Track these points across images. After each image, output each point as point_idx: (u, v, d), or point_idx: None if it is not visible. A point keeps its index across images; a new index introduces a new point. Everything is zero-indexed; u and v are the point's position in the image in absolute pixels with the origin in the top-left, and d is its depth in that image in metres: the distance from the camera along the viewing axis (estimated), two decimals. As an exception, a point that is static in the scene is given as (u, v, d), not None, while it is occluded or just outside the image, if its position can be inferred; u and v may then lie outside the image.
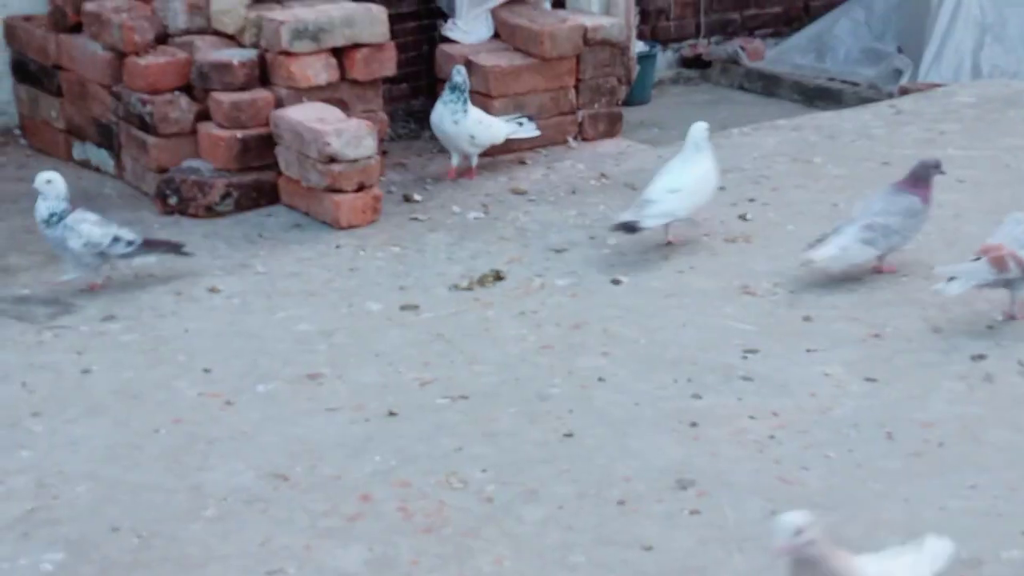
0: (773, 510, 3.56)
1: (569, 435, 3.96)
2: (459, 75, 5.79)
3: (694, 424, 3.99)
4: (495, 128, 5.95)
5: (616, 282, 4.97)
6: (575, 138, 6.48)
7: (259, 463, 3.82)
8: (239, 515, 3.58)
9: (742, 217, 5.53)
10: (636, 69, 6.97)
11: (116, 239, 4.82)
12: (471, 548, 3.43)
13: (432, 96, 6.46)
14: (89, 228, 4.80)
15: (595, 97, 6.50)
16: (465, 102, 5.79)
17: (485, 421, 4.05)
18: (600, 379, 4.27)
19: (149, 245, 4.96)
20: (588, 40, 6.39)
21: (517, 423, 4.04)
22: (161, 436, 3.97)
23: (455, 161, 5.96)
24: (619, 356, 4.42)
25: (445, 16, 6.61)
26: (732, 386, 4.20)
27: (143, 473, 3.77)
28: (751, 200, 5.71)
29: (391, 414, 4.09)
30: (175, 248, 5.01)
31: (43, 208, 4.83)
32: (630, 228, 5.04)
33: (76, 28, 6.09)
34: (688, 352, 4.41)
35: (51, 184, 4.85)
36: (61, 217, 4.81)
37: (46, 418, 4.07)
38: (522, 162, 6.26)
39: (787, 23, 8.90)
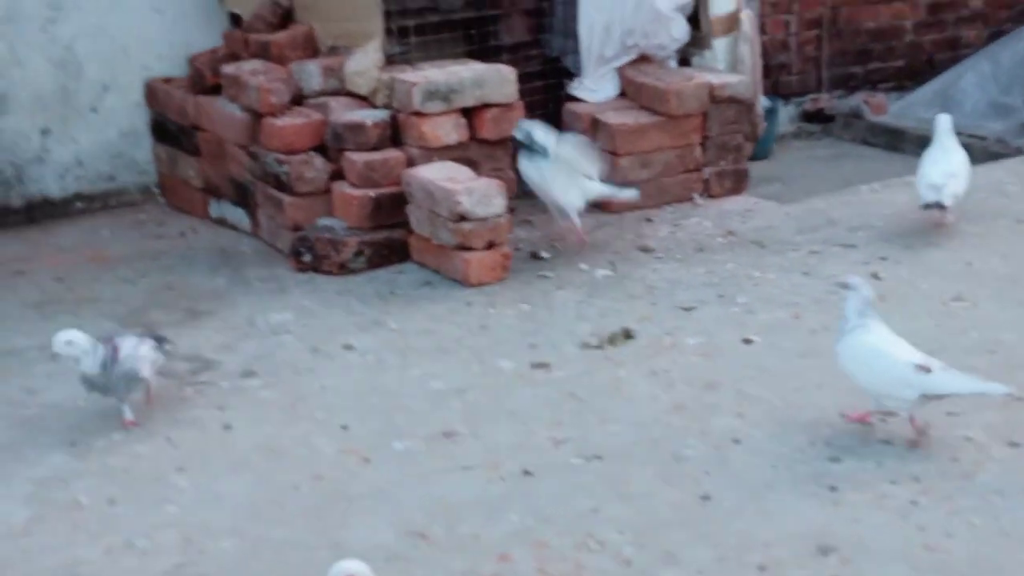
0: (918, 578, 3.51)
1: (706, 497, 3.94)
2: (524, 128, 5.73)
3: (833, 488, 3.94)
4: (587, 182, 5.85)
5: (748, 341, 4.95)
6: (701, 195, 6.48)
7: (398, 521, 3.87)
8: (380, 573, 3.61)
9: (875, 276, 5.47)
10: (763, 126, 6.96)
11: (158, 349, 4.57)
12: (611, 611, 3.42)
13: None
14: (146, 351, 4.46)
15: (721, 154, 6.51)
16: (545, 152, 5.69)
17: (620, 482, 4.04)
18: (735, 440, 4.25)
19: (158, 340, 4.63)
20: (715, 97, 6.40)
21: (653, 484, 4.03)
22: (302, 493, 4.04)
23: (559, 221, 5.92)
24: (754, 417, 4.39)
25: (571, 75, 6.68)
26: (871, 449, 4.14)
27: (286, 529, 3.84)
28: (883, 258, 5.65)
29: (526, 473, 4.11)
30: (161, 340, 4.65)
31: (91, 365, 4.34)
32: (939, 206, 5.69)
33: (214, 90, 6.29)
34: (825, 414, 4.36)
35: (72, 345, 4.34)
36: (111, 359, 4.37)
37: (190, 473, 4.17)
38: (648, 220, 6.28)
39: (911, 77, 8.81)
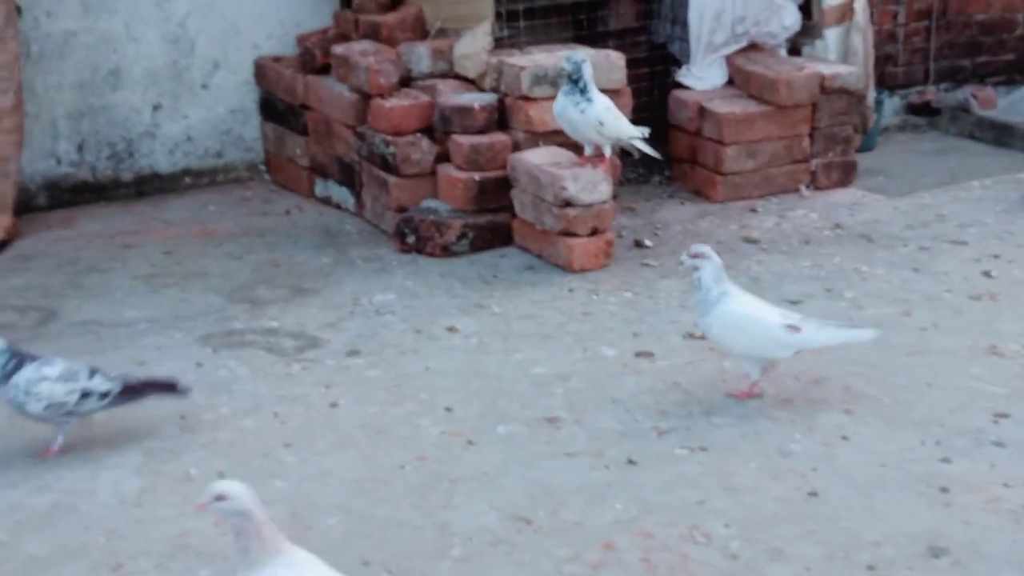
0: (1033, 585, 3.44)
1: (813, 494, 3.89)
2: (569, 63, 5.42)
3: (945, 489, 3.87)
4: (623, 121, 5.61)
5: (855, 337, 4.88)
6: (807, 187, 6.40)
7: (502, 505, 3.88)
8: (485, 556, 3.64)
9: (986, 274, 5.37)
10: (873, 118, 6.85)
11: (86, 394, 4.07)
12: (717, 604, 3.40)
13: (663, 142, 6.50)
14: (50, 387, 4.02)
15: (829, 146, 6.42)
16: (585, 90, 5.41)
17: (725, 474, 4.01)
18: (843, 437, 4.19)
19: (131, 391, 4.17)
20: (825, 88, 6.32)
21: (758, 478, 3.99)
22: (407, 472, 4.07)
23: (588, 151, 5.66)
24: (862, 414, 4.33)
25: (678, 62, 6.63)
26: (983, 451, 4.07)
27: (391, 508, 3.87)
28: (995, 256, 5.54)
29: (630, 462, 4.09)
30: (170, 388, 4.26)
31: None
32: None
33: (323, 70, 6.34)
34: (935, 414, 4.29)
35: None
36: (8, 375, 3.98)
37: (297, 449, 4.22)
38: (753, 210, 6.22)
39: (1021, 71, 8.61)
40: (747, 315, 4.30)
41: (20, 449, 4.19)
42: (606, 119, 5.49)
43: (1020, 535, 3.65)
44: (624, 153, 5.94)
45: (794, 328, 4.25)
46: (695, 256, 4.34)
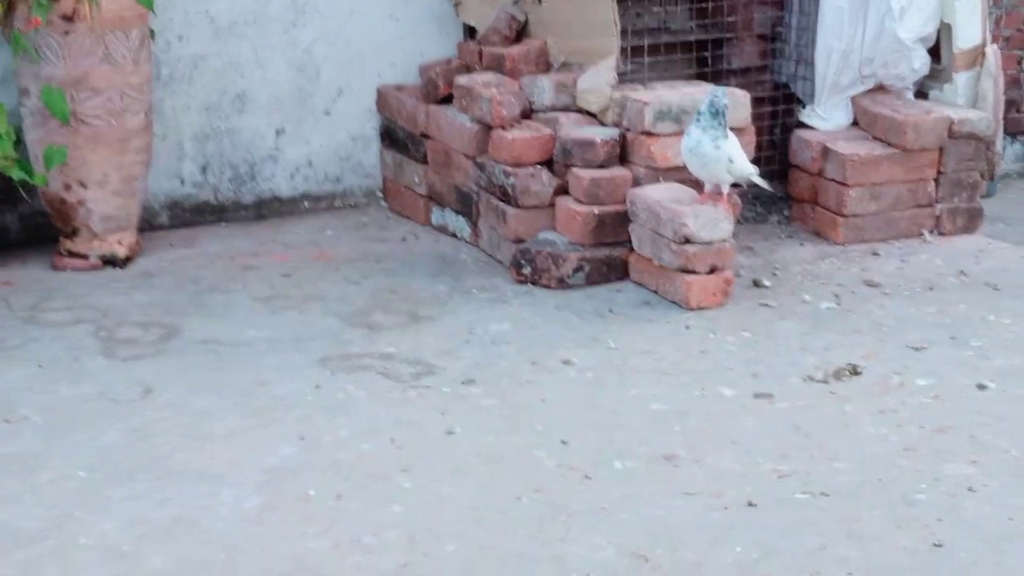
0: None
1: (939, 545, 3.80)
2: (724, 98, 5.42)
3: (1077, 546, 3.76)
4: (746, 159, 5.60)
5: (982, 387, 4.77)
6: (931, 232, 6.29)
7: (619, 540, 3.84)
8: (602, 592, 3.60)
9: (1119, 328, 5.23)
10: (1001, 165, 6.72)
11: None
12: (840, 654, 3.33)
13: (783, 181, 6.44)
14: None
15: (955, 191, 6.30)
16: (725, 127, 5.42)
17: (848, 521, 3.93)
18: (970, 489, 4.09)
19: None
20: (953, 133, 6.21)
21: (882, 527, 3.90)
22: (524, 504, 4.05)
23: (707, 188, 5.62)
24: (990, 466, 4.22)
25: (800, 102, 6.57)
26: (1118, 510, 3.94)
27: (508, 539, 3.85)
28: None
29: (750, 504, 4.03)
30: None
31: None
32: None
33: (445, 100, 6.39)
34: (1067, 468, 4.18)
35: None
36: None
37: (414, 474, 4.22)
38: (875, 253, 6.12)
39: None
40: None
41: (144, 463, 4.26)
42: (736, 156, 5.48)
43: None
44: (746, 194, 5.91)
45: None
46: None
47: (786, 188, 6.50)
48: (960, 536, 3.84)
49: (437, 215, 6.53)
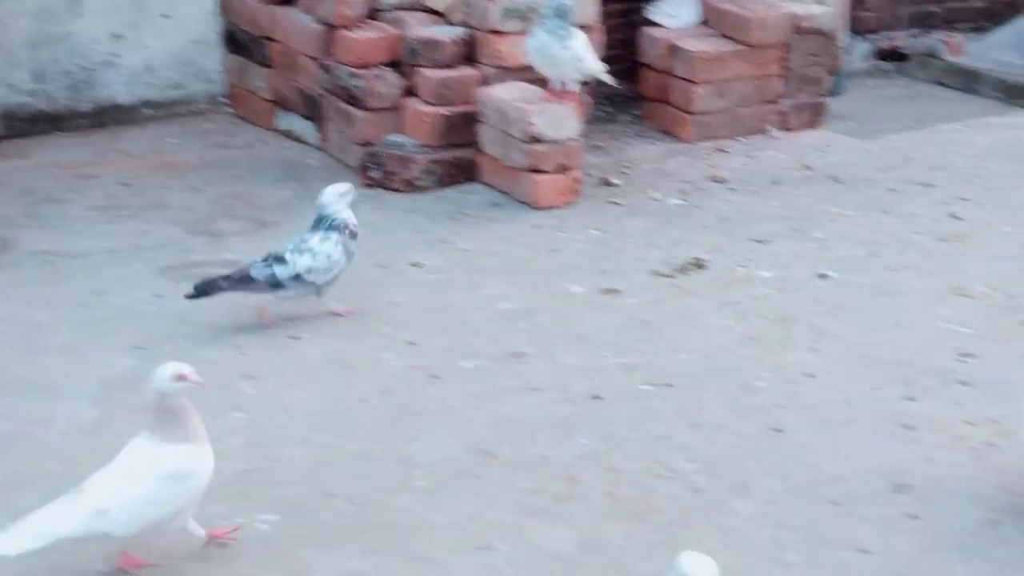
0: (995, 520, 3.45)
1: (778, 430, 3.88)
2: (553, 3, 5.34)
3: (909, 427, 3.87)
4: (595, 57, 5.55)
5: (823, 277, 4.86)
6: (777, 127, 6.35)
7: (466, 438, 3.84)
8: (448, 488, 3.60)
9: (954, 216, 5.35)
10: (844, 59, 6.80)
11: None
12: (681, 538, 3.38)
13: (632, 80, 6.42)
14: None
15: (801, 87, 6.36)
16: (568, 26, 5.35)
17: (691, 411, 3.99)
18: (809, 375, 4.18)
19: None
20: (798, 28, 6.25)
21: (724, 415, 3.97)
22: (371, 406, 4.02)
23: (554, 86, 5.54)
24: (829, 353, 4.31)
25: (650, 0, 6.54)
26: (949, 390, 4.06)
27: (354, 441, 3.82)
28: (963, 199, 5.53)
29: (596, 397, 4.06)
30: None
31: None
32: None
33: (288, 1, 6.21)
34: (902, 353, 4.28)
35: None
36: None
37: (258, 381, 4.16)
38: (721, 150, 6.17)
39: (990, 18, 8.56)
40: None
41: (-26, 378, 4.12)
42: (585, 55, 5.43)
43: (982, 472, 3.66)
44: (594, 88, 5.88)
45: None
46: None
47: (636, 87, 6.48)
48: (799, 421, 3.93)
49: (283, 120, 6.38)
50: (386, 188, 5.68)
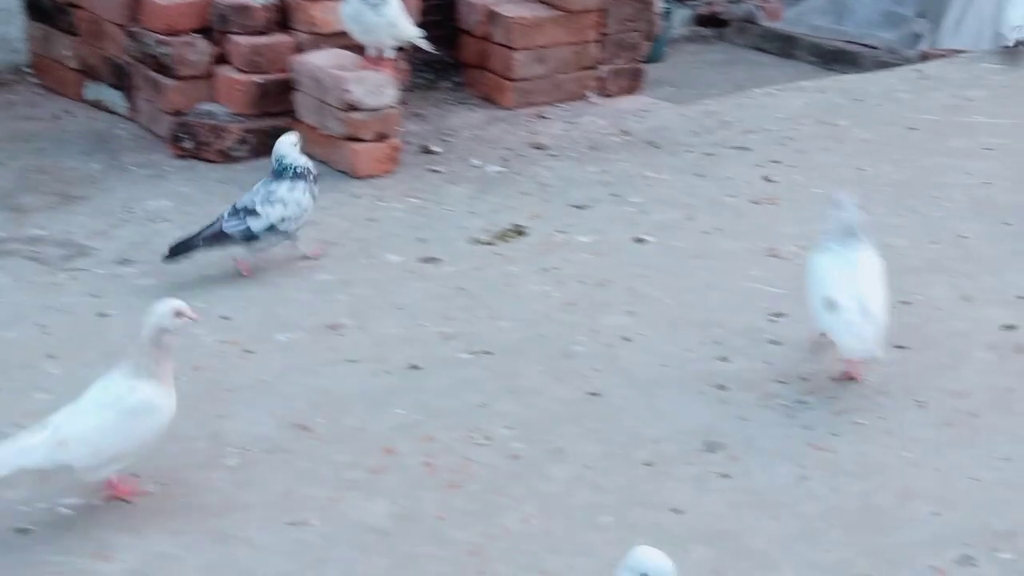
0: (804, 476, 3.53)
1: (595, 394, 3.90)
2: None
3: (722, 387, 3.93)
4: (410, 23, 5.49)
5: (640, 241, 4.90)
6: (596, 93, 6.38)
7: (281, 413, 3.76)
8: (261, 464, 3.53)
9: (767, 179, 5.46)
10: (660, 26, 6.86)
11: None
12: (498, 505, 3.38)
13: (452, 46, 6.36)
14: None
15: (618, 52, 6.40)
16: None
17: (509, 377, 3.99)
18: (625, 339, 4.21)
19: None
20: (616, -8, 6.28)
21: (541, 380, 3.98)
22: (180, 383, 3.83)
23: (370, 53, 5.46)
24: (645, 316, 4.35)
25: (467, -35, 6.48)
26: (760, 350, 4.14)
27: (162, 420, 3.70)
28: (776, 162, 5.63)
29: (413, 367, 4.02)
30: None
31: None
32: None
33: (92, -35, 5.97)
34: (715, 314, 4.35)
35: None
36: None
37: (63, 361, 4.00)
38: (541, 116, 6.16)
39: (805, -17, 8.76)
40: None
41: None
42: (399, 21, 5.35)
43: (793, 429, 3.74)
44: (415, 59, 5.79)
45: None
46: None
47: (455, 53, 6.43)
48: (615, 384, 3.95)
49: (91, 90, 6.14)
50: (199, 159, 5.52)
